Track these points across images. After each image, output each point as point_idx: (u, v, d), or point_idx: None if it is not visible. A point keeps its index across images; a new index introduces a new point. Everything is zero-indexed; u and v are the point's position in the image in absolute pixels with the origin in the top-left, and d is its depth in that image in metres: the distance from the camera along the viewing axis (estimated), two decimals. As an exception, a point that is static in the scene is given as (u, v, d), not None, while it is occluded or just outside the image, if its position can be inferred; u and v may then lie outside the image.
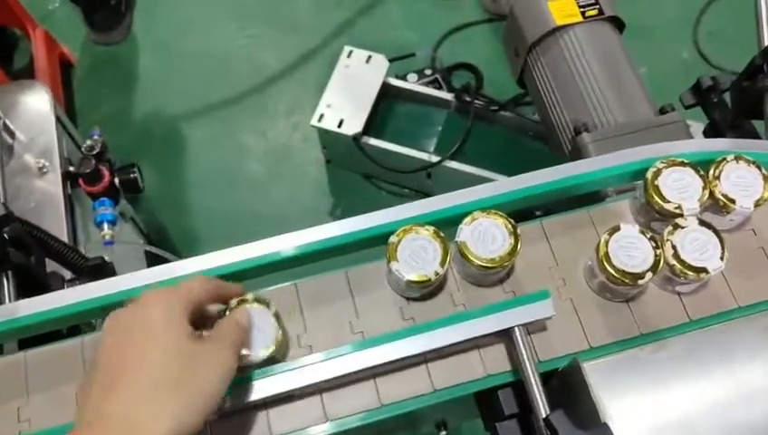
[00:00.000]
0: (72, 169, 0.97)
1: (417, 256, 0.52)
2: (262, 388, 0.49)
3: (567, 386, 0.50)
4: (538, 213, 0.68)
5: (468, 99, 1.39)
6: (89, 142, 1.00)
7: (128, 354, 0.43)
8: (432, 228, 0.53)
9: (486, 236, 0.52)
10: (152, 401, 0.41)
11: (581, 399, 0.48)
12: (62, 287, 0.66)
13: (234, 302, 0.51)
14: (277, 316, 0.51)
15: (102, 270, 0.62)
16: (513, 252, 0.52)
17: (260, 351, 0.49)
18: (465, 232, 0.53)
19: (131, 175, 0.99)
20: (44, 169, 0.96)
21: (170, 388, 0.42)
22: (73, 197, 0.98)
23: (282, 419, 0.51)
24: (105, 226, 0.95)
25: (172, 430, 0.40)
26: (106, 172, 0.96)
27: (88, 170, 0.93)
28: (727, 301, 0.54)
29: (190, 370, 0.43)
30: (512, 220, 0.53)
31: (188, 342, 0.44)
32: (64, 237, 0.90)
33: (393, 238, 0.53)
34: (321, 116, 1.37)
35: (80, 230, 0.95)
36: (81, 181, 0.96)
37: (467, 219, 0.53)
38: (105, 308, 0.54)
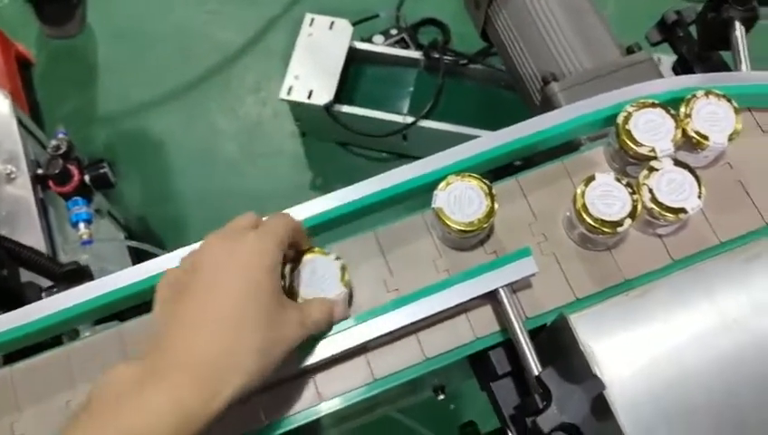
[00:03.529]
0: (40, 171, 0.95)
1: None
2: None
3: (556, 340, 0.50)
4: (518, 163, 0.68)
5: (437, 55, 1.37)
6: (54, 142, 0.97)
7: (217, 289, 0.42)
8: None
9: (462, 200, 0.52)
10: (238, 335, 0.40)
11: (571, 351, 0.48)
12: (40, 297, 0.64)
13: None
14: (344, 268, 0.51)
15: (78, 274, 0.61)
16: (490, 213, 0.51)
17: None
18: (440, 198, 0.52)
19: (101, 171, 0.97)
20: (12, 175, 0.94)
21: (257, 323, 0.41)
22: (45, 199, 0.96)
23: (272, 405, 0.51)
24: (81, 225, 0.94)
25: (257, 364, 0.40)
26: (75, 171, 0.94)
27: (56, 171, 0.91)
28: (709, 238, 0.54)
29: (278, 316, 0.43)
30: (486, 181, 0.52)
31: (280, 291, 0.44)
32: (41, 242, 0.88)
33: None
34: (290, 88, 1.34)
35: (56, 232, 0.94)
36: (50, 183, 0.94)
37: (442, 184, 0.52)
38: (87, 314, 0.53)
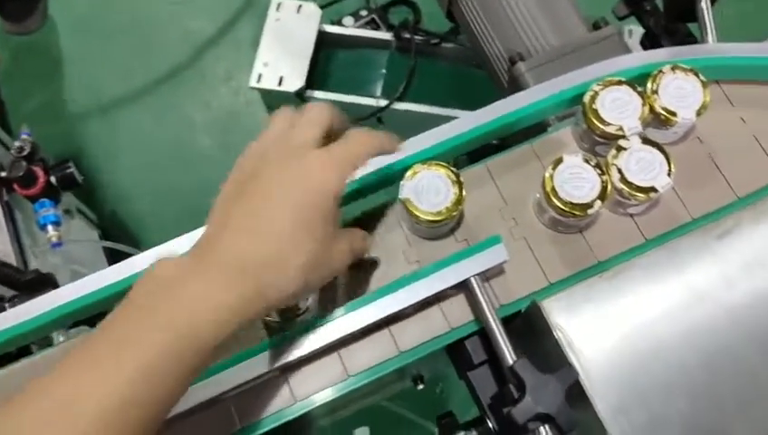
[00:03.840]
0: (3, 174, 0.92)
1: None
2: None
3: (530, 326, 0.50)
4: (495, 141, 0.66)
5: (408, 35, 1.35)
6: (17, 144, 0.94)
7: (275, 201, 0.42)
8: None
9: (430, 189, 0.50)
10: (290, 247, 0.40)
11: (545, 337, 0.48)
12: (3, 308, 0.63)
13: None
14: None
15: (41, 282, 0.59)
16: (458, 201, 0.50)
17: None
18: (407, 188, 0.51)
19: (67, 171, 0.95)
20: (-26, 180, 0.92)
21: (311, 240, 0.41)
22: (11, 202, 0.94)
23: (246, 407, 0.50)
24: (49, 228, 0.91)
25: (302, 278, 0.41)
26: (40, 172, 0.92)
27: (20, 174, 0.89)
28: (681, 215, 0.54)
29: (331, 238, 0.43)
30: (453, 168, 0.51)
31: (336, 217, 0.43)
32: (8, 247, 0.86)
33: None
34: (260, 76, 1.31)
35: (24, 236, 0.92)
36: (15, 186, 0.91)
37: (408, 174, 0.51)
38: (52, 323, 0.52)
